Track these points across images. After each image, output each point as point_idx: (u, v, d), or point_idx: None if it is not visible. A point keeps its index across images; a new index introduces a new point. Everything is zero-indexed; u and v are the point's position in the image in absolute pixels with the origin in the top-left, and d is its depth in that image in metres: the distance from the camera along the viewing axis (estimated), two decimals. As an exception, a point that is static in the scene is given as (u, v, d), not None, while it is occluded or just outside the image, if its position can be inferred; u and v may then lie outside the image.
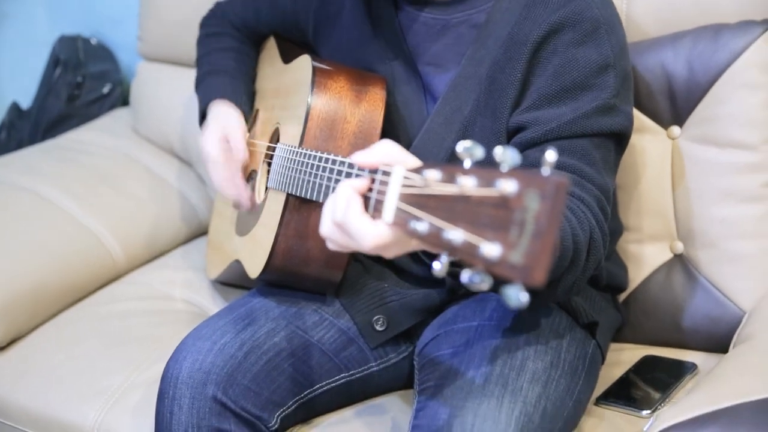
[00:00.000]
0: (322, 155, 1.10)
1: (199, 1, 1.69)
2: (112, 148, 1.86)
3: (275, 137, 1.39)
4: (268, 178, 1.36)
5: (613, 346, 1.40)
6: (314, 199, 1.11)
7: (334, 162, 1.05)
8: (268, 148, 1.39)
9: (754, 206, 1.36)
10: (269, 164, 1.39)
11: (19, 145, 2.11)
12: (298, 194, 1.17)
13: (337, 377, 1.29)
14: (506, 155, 0.74)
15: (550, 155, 0.71)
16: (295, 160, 1.20)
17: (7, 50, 2.33)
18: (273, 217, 1.26)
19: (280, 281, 1.29)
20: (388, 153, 0.91)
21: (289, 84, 1.36)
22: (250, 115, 1.48)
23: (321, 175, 1.08)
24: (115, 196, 1.74)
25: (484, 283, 0.75)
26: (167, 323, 1.52)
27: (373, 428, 1.27)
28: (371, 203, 0.89)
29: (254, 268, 1.28)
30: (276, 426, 1.23)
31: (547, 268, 0.67)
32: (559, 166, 1.14)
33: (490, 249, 0.70)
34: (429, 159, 1.01)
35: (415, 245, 0.91)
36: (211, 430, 1.20)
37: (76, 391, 1.41)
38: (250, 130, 1.49)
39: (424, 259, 1.28)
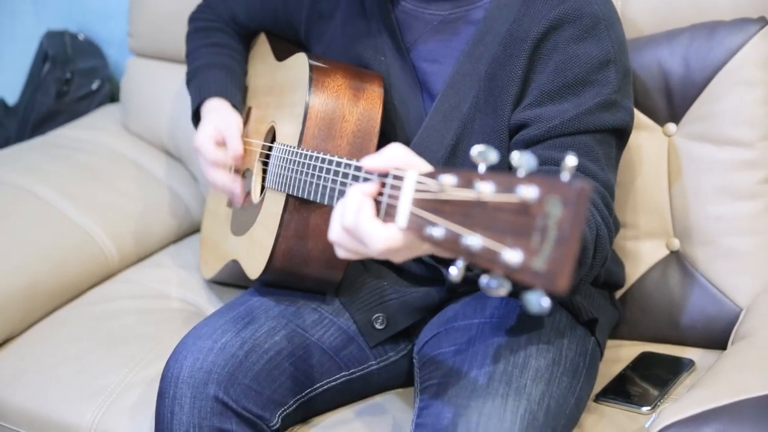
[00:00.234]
0: (325, 157, 1.09)
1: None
2: (102, 145, 1.85)
3: (270, 136, 1.38)
4: (264, 177, 1.35)
5: (611, 342, 1.40)
6: (318, 201, 1.10)
7: (339, 164, 1.04)
8: (264, 147, 1.38)
9: (751, 203, 1.37)
10: (264, 163, 1.38)
11: (6, 142, 2.08)
12: (299, 196, 1.16)
13: (338, 376, 1.29)
14: (523, 160, 0.74)
15: (571, 160, 0.71)
16: (294, 160, 1.19)
17: (-8, 45, 2.30)
18: (272, 218, 1.25)
19: (280, 282, 1.29)
20: (399, 157, 0.90)
21: (284, 82, 1.35)
22: (242, 108, 1.47)
23: (325, 177, 1.08)
24: (107, 193, 1.72)
25: (502, 288, 0.75)
26: (163, 322, 1.51)
27: (373, 427, 1.27)
28: (382, 207, 0.89)
29: (254, 269, 1.28)
30: (277, 425, 1.23)
31: (570, 275, 0.67)
32: (560, 163, 1.13)
33: (512, 255, 0.70)
34: (428, 157, 1.00)
35: (425, 250, 0.91)
36: (212, 429, 1.19)
37: (72, 390, 1.40)
38: (243, 127, 1.48)
39: (424, 258, 1.28)
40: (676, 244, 1.43)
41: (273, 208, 1.26)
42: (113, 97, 2.14)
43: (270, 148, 1.36)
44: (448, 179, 0.78)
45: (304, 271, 1.25)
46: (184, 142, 1.83)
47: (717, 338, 1.38)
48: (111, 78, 2.14)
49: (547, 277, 0.68)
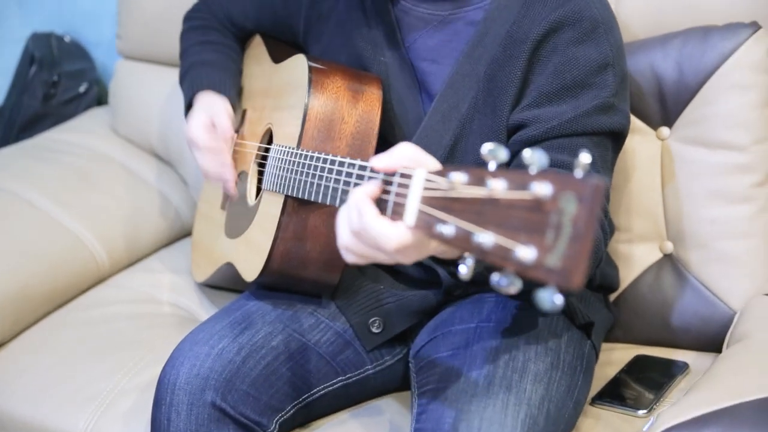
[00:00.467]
0: (327, 157, 1.09)
1: (179, -2, 1.67)
2: (91, 149, 1.83)
3: (266, 138, 1.38)
4: (260, 179, 1.35)
5: (605, 345, 1.40)
6: (320, 201, 1.09)
7: (342, 164, 1.04)
8: (260, 148, 1.38)
9: (744, 207, 1.38)
10: (260, 165, 1.38)
11: (-8, 145, 2.06)
12: (300, 197, 1.15)
13: (335, 381, 1.28)
14: (535, 157, 0.74)
15: (584, 158, 0.71)
16: (294, 161, 1.18)
17: (-24, 47, 2.28)
18: (270, 220, 1.24)
19: (277, 284, 1.28)
20: (408, 156, 0.90)
21: (282, 84, 1.35)
22: (238, 106, 1.46)
23: (328, 177, 1.07)
24: (97, 197, 1.71)
25: (512, 286, 0.75)
26: (155, 327, 1.49)
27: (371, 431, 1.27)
28: (389, 206, 0.88)
29: (250, 272, 1.27)
30: (275, 431, 1.22)
31: (585, 272, 0.67)
32: (559, 164, 1.14)
33: (525, 252, 0.70)
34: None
35: (433, 249, 0.91)
36: (209, 436, 1.18)
37: (64, 397, 1.38)
38: (237, 130, 1.47)
39: (423, 260, 1.27)
40: (669, 247, 1.43)
41: (270, 209, 1.25)
42: (100, 100, 2.12)
43: (266, 150, 1.36)
44: (459, 177, 0.78)
45: (301, 274, 1.24)
46: (174, 145, 1.81)
47: (710, 341, 1.38)
48: (98, 81, 2.13)
49: (562, 273, 0.68)
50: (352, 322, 1.29)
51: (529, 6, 1.19)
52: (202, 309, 1.57)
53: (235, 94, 1.45)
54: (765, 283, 1.37)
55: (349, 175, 1.01)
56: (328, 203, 1.07)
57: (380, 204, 0.89)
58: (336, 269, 1.24)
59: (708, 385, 1.14)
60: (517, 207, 0.72)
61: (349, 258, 0.94)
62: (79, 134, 1.87)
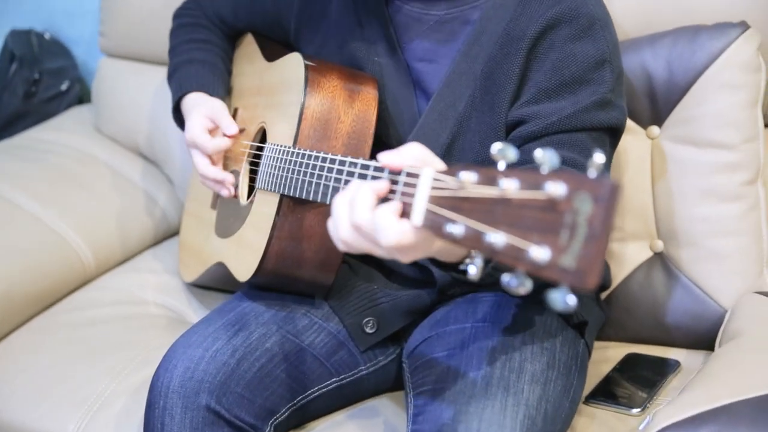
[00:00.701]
0: (326, 156, 1.08)
1: (164, -5, 1.66)
2: (74, 148, 1.81)
3: (259, 137, 1.37)
4: (255, 178, 1.34)
5: (597, 344, 1.41)
6: (319, 201, 1.08)
7: (342, 163, 1.03)
8: (252, 147, 1.36)
9: (734, 205, 1.39)
10: (252, 164, 1.36)
11: (-29, 144, 2.03)
12: (297, 196, 1.14)
13: (329, 382, 1.27)
14: (546, 156, 0.74)
15: (599, 157, 0.70)
16: (290, 160, 1.17)
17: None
18: (264, 219, 1.23)
19: (271, 284, 1.27)
20: (416, 155, 0.89)
21: (276, 82, 1.33)
22: (228, 107, 1.45)
23: (327, 177, 1.06)
24: (82, 197, 1.68)
25: (522, 287, 0.75)
26: (144, 328, 1.47)
27: (366, 432, 1.26)
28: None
29: (244, 271, 1.26)
30: (270, 434, 1.21)
31: (600, 272, 0.67)
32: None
33: (539, 252, 0.69)
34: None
35: (436, 250, 0.90)
36: (204, 440, 1.17)
37: (53, 402, 1.36)
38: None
39: (418, 260, 1.27)
40: (660, 245, 1.44)
41: (265, 209, 1.24)
42: (81, 99, 2.10)
43: (259, 149, 1.35)
44: (469, 176, 0.77)
45: (296, 273, 1.23)
46: (160, 144, 1.79)
47: (701, 339, 1.39)
48: (79, 79, 2.10)
49: (577, 274, 0.67)
50: (345, 323, 1.29)
51: (525, 4, 1.19)
52: (191, 310, 1.55)
53: (224, 95, 1.44)
54: (755, 281, 1.38)
55: (350, 174, 1.01)
56: (327, 202, 1.06)
57: (385, 202, 0.88)
58: (331, 269, 1.23)
59: (703, 384, 1.14)
60: (530, 207, 0.72)
61: (342, 248, 0.93)
62: (62, 133, 1.85)
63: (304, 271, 1.23)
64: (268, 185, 1.23)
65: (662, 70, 1.41)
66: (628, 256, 1.45)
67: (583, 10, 1.18)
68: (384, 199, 0.89)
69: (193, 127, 1.36)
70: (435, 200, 0.81)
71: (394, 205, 0.86)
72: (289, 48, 1.41)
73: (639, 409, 1.27)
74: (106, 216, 1.68)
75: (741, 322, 1.29)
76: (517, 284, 0.75)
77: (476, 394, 1.09)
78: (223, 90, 1.44)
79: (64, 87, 2.03)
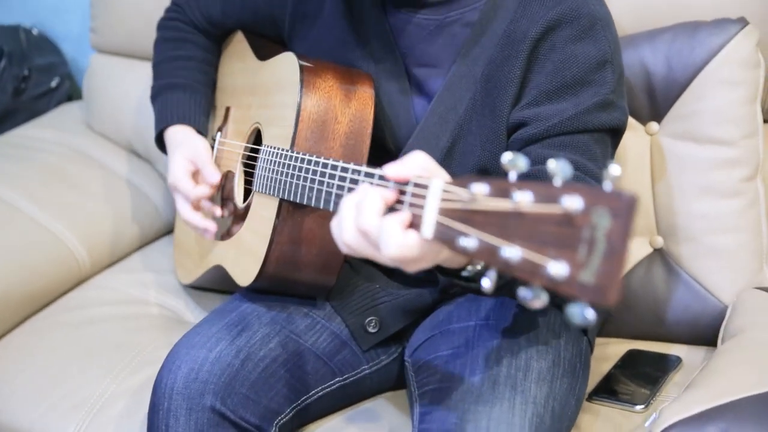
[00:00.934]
0: (327, 161, 1.06)
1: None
2: (66, 145, 1.79)
3: (253, 137, 1.35)
4: (252, 181, 1.32)
5: (597, 341, 1.41)
6: (321, 207, 1.07)
7: (345, 170, 1.02)
8: (247, 148, 1.35)
9: (733, 201, 1.39)
10: (246, 165, 1.35)
11: (-40, 141, 2.00)
12: (297, 201, 1.13)
13: (332, 382, 1.27)
14: (559, 167, 0.73)
15: (614, 169, 0.70)
16: (288, 164, 1.16)
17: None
18: (263, 223, 1.22)
19: (272, 288, 1.26)
20: (421, 165, 0.88)
21: (269, 82, 1.32)
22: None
23: (329, 183, 1.05)
24: (75, 195, 1.67)
25: (537, 300, 0.74)
26: (142, 329, 1.46)
27: (369, 432, 1.26)
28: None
29: (245, 276, 1.24)
30: (274, 434, 1.21)
31: (620, 288, 0.67)
32: None
33: (557, 268, 0.69)
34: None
35: (441, 260, 0.89)
36: (210, 442, 1.16)
37: (52, 404, 1.35)
38: (221, 128, 1.44)
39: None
40: (659, 242, 1.44)
41: (263, 212, 1.23)
42: (70, 96, 2.07)
43: (253, 150, 1.33)
44: (480, 188, 0.76)
45: (297, 277, 1.22)
46: (152, 141, 1.76)
47: (702, 335, 1.39)
48: (69, 75, 2.07)
49: (596, 290, 0.67)
50: (348, 323, 1.28)
51: (525, 5, 1.18)
52: (188, 309, 1.55)
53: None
54: (755, 277, 1.39)
55: (354, 181, 0.99)
56: (330, 209, 1.05)
57: (393, 212, 0.87)
58: (332, 271, 1.22)
59: (709, 381, 1.14)
60: (545, 221, 0.71)
61: (345, 251, 0.92)
62: (54, 130, 1.83)
63: (305, 275, 1.22)
64: (265, 188, 1.22)
65: (661, 66, 1.41)
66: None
67: (584, 10, 1.17)
68: (391, 209, 0.88)
69: (175, 170, 1.36)
70: (445, 212, 0.80)
71: (403, 216, 0.85)
72: (281, 45, 1.39)
73: (643, 406, 1.27)
74: (100, 214, 1.66)
75: (743, 319, 1.30)
76: (533, 297, 0.74)
77: (484, 393, 1.09)
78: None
79: (53, 84, 2.00)
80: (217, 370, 1.17)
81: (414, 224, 0.84)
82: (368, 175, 0.96)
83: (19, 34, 2.01)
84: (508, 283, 0.86)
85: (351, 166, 1.00)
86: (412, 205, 0.85)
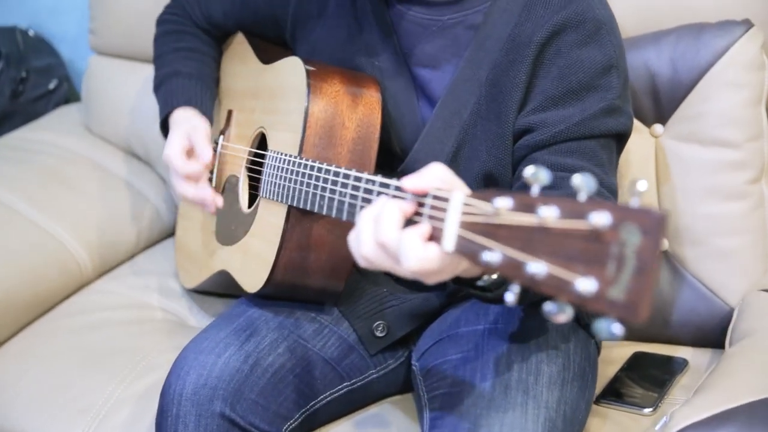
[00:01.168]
0: (338, 170, 1.05)
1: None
2: (65, 148, 1.77)
3: (256, 142, 1.34)
4: (258, 187, 1.32)
5: (603, 343, 1.41)
6: (333, 216, 1.06)
7: (358, 179, 1.01)
8: (251, 153, 1.34)
9: (739, 203, 1.39)
10: (250, 170, 1.34)
11: (-43, 144, 1.98)
12: (308, 209, 1.12)
13: (340, 387, 1.26)
14: (584, 182, 0.73)
15: (641, 185, 0.70)
16: (297, 171, 1.15)
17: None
18: (271, 229, 1.21)
19: (279, 294, 1.25)
20: (440, 177, 0.88)
21: (275, 86, 1.31)
22: (212, 120, 1.43)
23: (342, 192, 1.04)
24: (75, 198, 1.66)
25: (562, 314, 0.74)
26: (146, 333, 1.46)
27: (379, 438, 1.26)
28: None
29: (253, 283, 1.24)
30: (283, 441, 1.20)
31: (650, 304, 0.67)
32: (568, 169, 1.13)
33: (586, 284, 0.68)
34: (429, 163, 0.98)
35: (460, 272, 0.89)
36: (220, 448, 1.16)
37: (56, 410, 1.34)
38: (223, 132, 1.43)
39: None
40: (665, 244, 1.44)
41: (271, 218, 1.23)
42: (68, 98, 2.05)
43: (257, 155, 1.33)
44: (504, 202, 0.76)
45: (305, 283, 1.22)
46: (152, 144, 1.77)
47: (708, 337, 1.40)
48: (67, 77, 2.06)
49: (626, 307, 0.67)
50: (355, 327, 1.28)
51: (530, 9, 1.17)
52: (191, 314, 1.54)
53: (211, 107, 1.42)
54: (761, 279, 1.39)
55: (367, 191, 0.99)
56: (343, 218, 1.04)
57: (412, 225, 0.87)
58: (341, 277, 1.22)
59: (719, 384, 1.14)
60: (572, 236, 0.71)
61: (363, 264, 0.92)
62: (53, 133, 1.81)
63: (313, 281, 1.22)
64: (273, 195, 1.21)
65: (666, 68, 1.41)
66: (633, 254, 1.45)
67: (589, 14, 1.17)
68: (409, 221, 0.87)
69: (170, 146, 1.35)
70: (467, 225, 0.80)
71: (423, 229, 0.85)
72: (283, 46, 1.38)
73: (651, 409, 1.27)
74: (100, 217, 1.65)
75: (751, 322, 1.30)
76: (558, 311, 0.74)
77: (496, 398, 1.09)
78: (210, 102, 1.43)
79: (51, 86, 1.99)
80: (226, 376, 1.16)
81: (434, 237, 0.84)
82: (383, 185, 0.95)
83: (16, 36, 1.99)
84: (528, 296, 0.86)
85: (365, 175, 1.00)
86: (431, 217, 0.85)
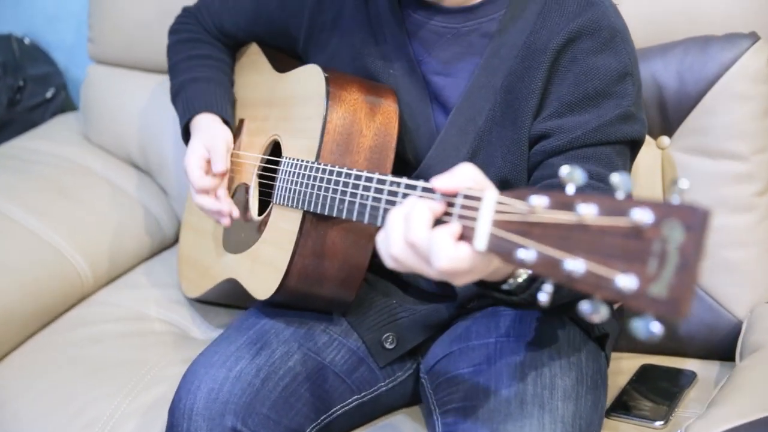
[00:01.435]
0: (360, 173, 1.05)
1: (156, 1, 1.61)
2: (63, 157, 1.75)
3: (269, 149, 1.33)
4: (265, 192, 1.30)
5: (612, 355, 1.40)
6: (354, 219, 1.05)
7: (382, 182, 1.00)
8: (262, 160, 1.33)
9: (747, 215, 1.39)
10: (261, 177, 1.33)
11: (-48, 154, 1.95)
12: (327, 213, 1.11)
13: (350, 400, 1.25)
14: (622, 181, 0.72)
15: (683, 183, 0.69)
16: (314, 176, 1.14)
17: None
18: (284, 235, 1.20)
19: (290, 303, 1.24)
20: (470, 177, 0.87)
21: (291, 94, 1.30)
22: (234, 124, 1.42)
23: (364, 195, 1.03)
24: (75, 208, 1.63)
25: (597, 315, 0.73)
26: (150, 346, 1.43)
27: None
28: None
29: (263, 290, 1.22)
30: (295, 455, 1.18)
31: (692, 301, 0.66)
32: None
33: (626, 281, 0.68)
34: (444, 170, 0.97)
35: (489, 274, 0.88)
36: (231, 463, 1.13)
37: (62, 424, 1.31)
38: (234, 141, 1.42)
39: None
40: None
41: (284, 225, 1.21)
42: (65, 107, 2.03)
43: (269, 162, 1.31)
44: (540, 200, 0.75)
45: (317, 291, 1.20)
46: (153, 154, 1.75)
47: (716, 349, 1.39)
48: (64, 86, 2.04)
49: (669, 304, 0.66)
50: (365, 339, 1.27)
51: (545, 16, 1.18)
52: (194, 325, 1.52)
53: (231, 112, 1.41)
54: (767, 292, 1.39)
55: (392, 193, 0.98)
56: (365, 221, 1.03)
57: (442, 224, 0.86)
58: (353, 286, 1.21)
59: (733, 398, 1.14)
60: (611, 233, 0.70)
61: (391, 265, 0.90)
62: (51, 142, 1.79)
63: (325, 289, 1.20)
64: (287, 201, 1.20)
65: (673, 80, 1.41)
66: (640, 266, 1.44)
67: (604, 22, 1.17)
68: (437, 221, 0.87)
69: (189, 156, 1.34)
70: (500, 224, 0.79)
71: (454, 228, 0.84)
72: (296, 58, 1.38)
73: (662, 422, 1.27)
74: (100, 227, 1.63)
75: (762, 334, 1.30)
76: (592, 311, 0.73)
77: (512, 412, 1.08)
78: (230, 106, 1.41)
79: (48, 94, 1.97)
80: (237, 390, 1.14)
81: (465, 236, 0.83)
82: (409, 186, 0.95)
83: (12, 44, 1.97)
84: (558, 297, 0.85)
85: (389, 177, 0.99)
86: (461, 217, 0.84)
